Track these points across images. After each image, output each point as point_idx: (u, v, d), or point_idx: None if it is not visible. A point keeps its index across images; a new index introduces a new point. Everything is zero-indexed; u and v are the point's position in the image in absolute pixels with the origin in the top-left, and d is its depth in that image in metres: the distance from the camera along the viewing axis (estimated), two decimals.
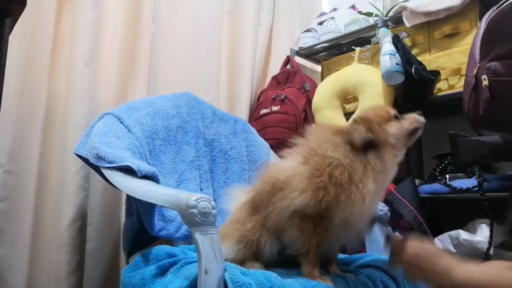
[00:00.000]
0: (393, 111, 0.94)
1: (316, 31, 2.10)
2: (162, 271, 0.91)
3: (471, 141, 1.27)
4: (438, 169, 1.59)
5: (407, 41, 1.66)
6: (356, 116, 0.93)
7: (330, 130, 0.93)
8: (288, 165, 0.93)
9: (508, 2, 1.20)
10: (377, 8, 1.93)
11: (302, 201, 0.85)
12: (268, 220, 0.91)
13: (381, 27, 1.73)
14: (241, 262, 0.92)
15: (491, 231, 1.39)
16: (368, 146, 0.88)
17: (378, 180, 0.87)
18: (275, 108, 1.86)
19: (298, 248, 0.89)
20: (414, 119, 0.94)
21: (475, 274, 0.74)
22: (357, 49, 1.84)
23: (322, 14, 2.23)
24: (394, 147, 0.89)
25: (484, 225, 1.42)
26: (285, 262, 0.95)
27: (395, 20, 1.76)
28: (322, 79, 1.98)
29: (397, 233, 1.48)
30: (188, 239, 1.20)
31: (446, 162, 1.59)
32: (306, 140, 0.94)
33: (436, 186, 1.53)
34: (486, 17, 1.25)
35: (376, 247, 1.14)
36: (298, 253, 0.89)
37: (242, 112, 1.90)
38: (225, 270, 0.78)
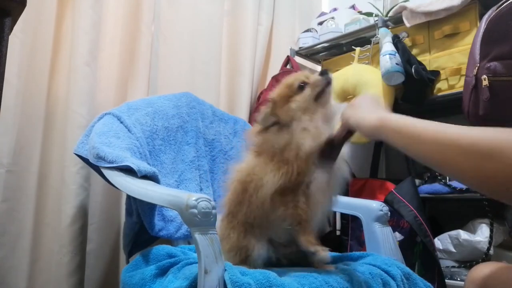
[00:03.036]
0: (297, 82, 0.95)
1: (316, 31, 2.10)
2: (163, 271, 0.90)
3: None
4: None
5: (407, 41, 1.66)
6: (269, 98, 0.98)
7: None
8: (245, 162, 0.97)
9: (508, 2, 1.20)
10: (377, 8, 1.93)
11: (277, 179, 0.88)
12: (251, 217, 0.91)
13: (381, 27, 1.73)
14: None
15: (491, 231, 1.39)
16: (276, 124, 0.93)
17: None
18: None
19: (289, 223, 0.89)
20: (314, 83, 0.94)
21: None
22: (357, 49, 1.84)
23: (322, 14, 2.23)
24: (301, 117, 0.92)
25: (484, 225, 1.43)
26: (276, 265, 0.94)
27: (395, 20, 1.76)
28: None
29: (397, 233, 1.49)
30: (188, 239, 1.21)
31: None
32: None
33: (436, 186, 1.53)
34: (486, 17, 1.25)
35: (376, 247, 1.14)
36: (291, 226, 0.89)
37: (242, 112, 1.90)
38: (225, 270, 0.78)
